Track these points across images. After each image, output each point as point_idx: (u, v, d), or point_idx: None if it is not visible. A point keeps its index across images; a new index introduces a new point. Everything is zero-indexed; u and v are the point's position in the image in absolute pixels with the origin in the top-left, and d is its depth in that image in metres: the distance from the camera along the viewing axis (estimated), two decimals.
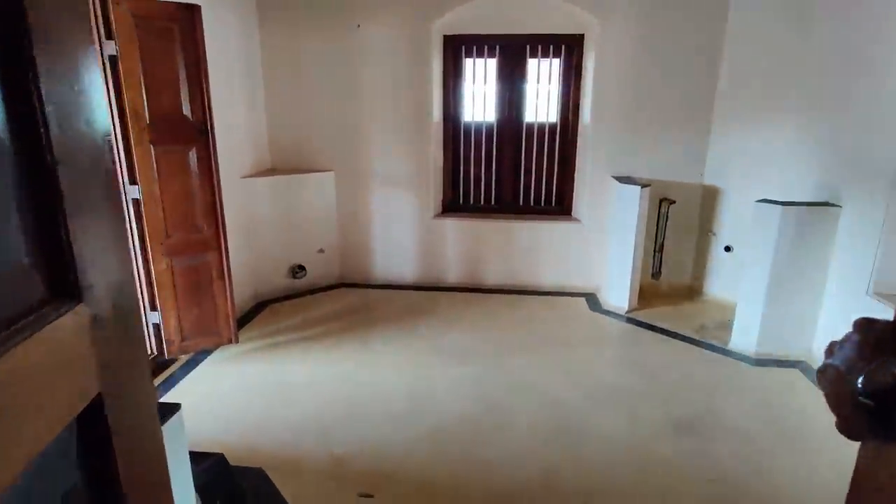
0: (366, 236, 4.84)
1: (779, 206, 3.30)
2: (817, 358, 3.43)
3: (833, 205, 3.31)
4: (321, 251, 4.76)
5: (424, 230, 4.77)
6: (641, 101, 4.31)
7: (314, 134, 4.63)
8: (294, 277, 4.65)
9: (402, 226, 4.78)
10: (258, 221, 4.35)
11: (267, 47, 4.44)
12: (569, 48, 4.51)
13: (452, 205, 4.96)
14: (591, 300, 4.57)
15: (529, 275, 4.79)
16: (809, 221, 3.30)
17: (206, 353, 3.53)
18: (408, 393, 3.12)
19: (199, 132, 3.15)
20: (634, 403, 3.02)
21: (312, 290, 4.73)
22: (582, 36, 4.45)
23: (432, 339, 3.84)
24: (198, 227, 3.27)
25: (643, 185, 4.03)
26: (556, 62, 4.58)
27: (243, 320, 4.09)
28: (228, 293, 3.48)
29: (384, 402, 3.02)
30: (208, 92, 3.11)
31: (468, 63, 4.67)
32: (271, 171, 4.60)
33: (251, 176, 4.33)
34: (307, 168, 4.68)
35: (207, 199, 3.25)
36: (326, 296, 4.67)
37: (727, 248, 4.38)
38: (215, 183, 3.27)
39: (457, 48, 4.60)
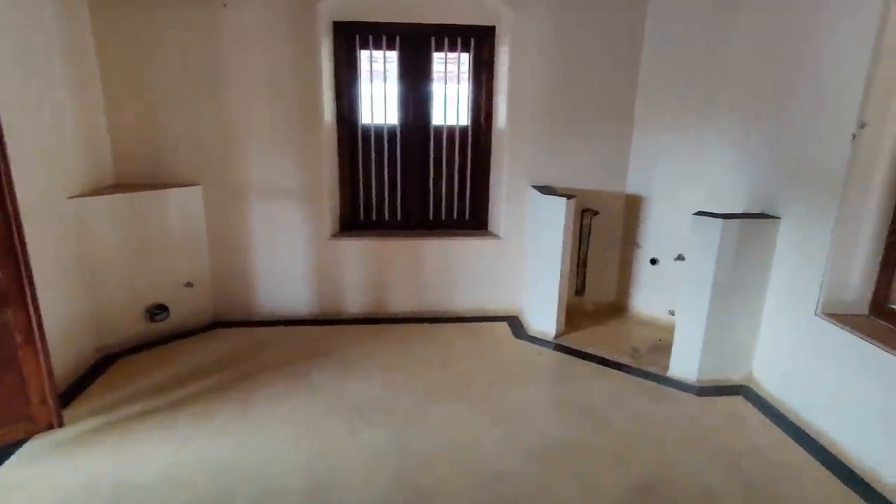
0: (246, 263, 3.98)
1: (719, 220, 2.99)
2: (759, 382, 3.18)
3: (771, 216, 3.05)
4: (189, 285, 3.82)
5: (319, 253, 4.00)
6: (560, 102, 3.89)
7: (173, 140, 3.69)
8: (153, 320, 3.67)
9: (291, 249, 3.97)
10: (98, 254, 3.35)
11: (102, 31, 3.44)
12: (479, 42, 3.98)
13: (352, 222, 4.23)
14: (515, 324, 4.08)
15: (444, 299, 4.20)
16: (749, 235, 3.02)
17: (13, 447, 2.53)
18: (305, 480, 2.38)
19: None
20: (586, 464, 2.52)
21: (178, 335, 3.78)
22: (493, 28, 3.94)
23: (332, 391, 3.11)
24: None
25: (568, 197, 3.60)
26: (466, 57, 4.03)
27: (77, 387, 3.08)
28: (43, 360, 2.53)
29: (271, 500, 2.26)
30: None
31: (364, 55, 3.98)
32: (115, 188, 3.60)
33: (84, 195, 3.32)
34: (165, 182, 3.73)
35: None
36: (197, 341, 3.75)
37: (653, 261, 4.09)
38: (10, 211, 2.31)
39: (349, 37, 3.89)
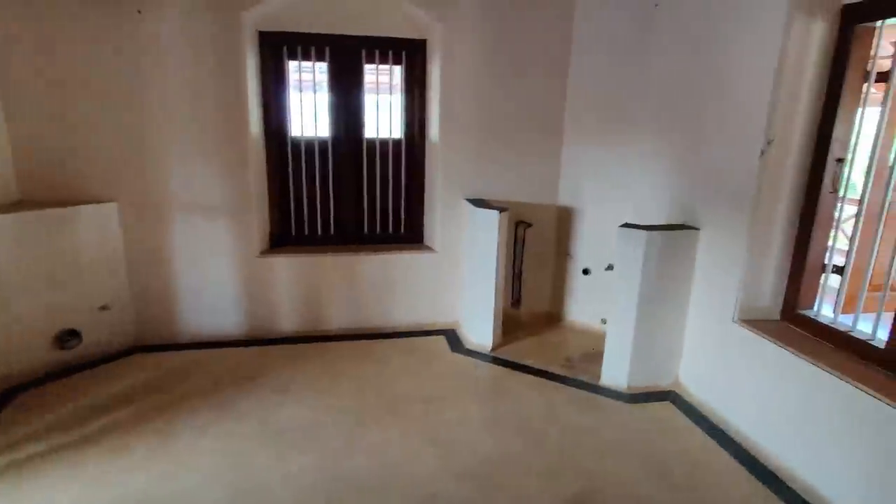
0: (169, 283, 3.76)
1: (643, 232, 3.09)
2: (685, 387, 3.30)
3: (691, 227, 3.19)
4: (104, 308, 3.57)
5: (248, 271, 3.84)
6: (492, 115, 3.92)
7: (86, 154, 3.45)
8: (63, 348, 3.40)
9: (218, 267, 3.79)
10: None
11: (3, 39, 3.17)
12: (410, 55, 3.97)
13: (283, 238, 4.09)
14: (452, 338, 4.06)
15: (380, 314, 4.13)
16: (672, 246, 3.13)
17: None
18: None
19: None
20: (520, 480, 2.51)
21: (93, 363, 3.52)
22: (424, 42, 3.93)
23: (261, 417, 2.97)
24: None
25: (501, 210, 3.63)
26: (398, 70, 4.00)
27: None
28: None
29: None
30: None
31: (293, 66, 3.87)
32: (18, 206, 3.32)
33: None
34: (77, 199, 3.47)
35: None
36: (114, 368, 3.50)
37: (585, 271, 4.19)
38: None
39: (277, 48, 3.78)
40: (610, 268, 3.98)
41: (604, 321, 4.12)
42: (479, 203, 3.84)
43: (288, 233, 4.10)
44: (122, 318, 3.69)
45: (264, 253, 3.89)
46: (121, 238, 3.60)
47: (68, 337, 3.41)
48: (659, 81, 3.57)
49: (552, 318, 4.40)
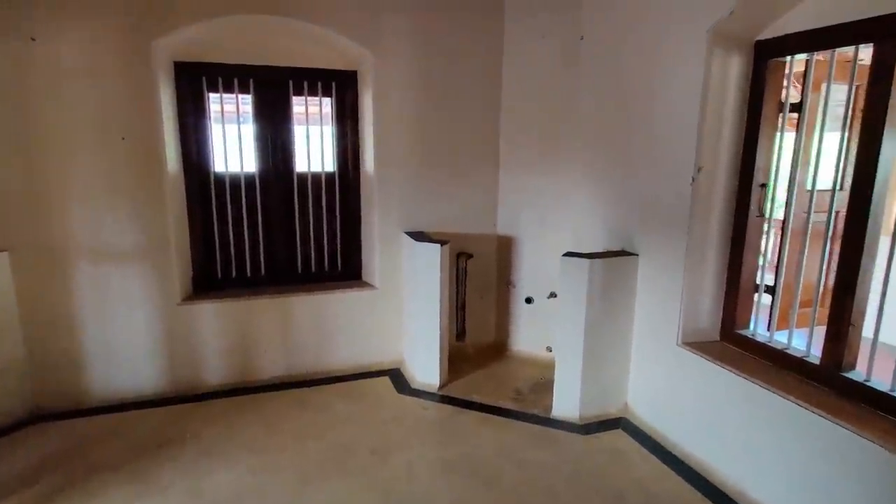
0: (73, 340, 3.33)
1: (585, 260, 3.10)
2: (634, 412, 3.30)
3: (630, 253, 3.24)
4: None
5: (168, 321, 3.49)
6: (427, 146, 3.86)
7: None
8: None
9: (132, 319, 3.41)
10: None
11: None
12: (341, 86, 3.84)
13: (208, 282, 3.78)
14: (397, 378, 3.88)
15: (319, 358, 3.88)
16: (613, 272, 3.16)
17: None
18: None
19: None
20: None
21: None
22: (355, 73, 3.83)
23: (187, 488, 2.64)
24: None
25: (443, 243, 3.54)
26: (328, 101, 3.86)
27: None
28: None
29: None
30: None
31: (215, 98, 3.63)
32: None
33: None
34: None
35: None
36: (7, 443, 3.02)
37: (528, 300, 4.17)
38: None
39: (195, 79, 3.53)
40: (553, 295, 3.99)
41: (549, 349, 4.10)
42: (418, 236, 3.74)
43: (213, 276, 3.79)
44: (17, 385, 3.22)
45: (186, 300, 3.56)
46: (12, 292, 3.16)
47: None
48: (589, 113, 3.66)
49: (498, 348, 4.33)
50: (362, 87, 3.81)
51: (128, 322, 3.40)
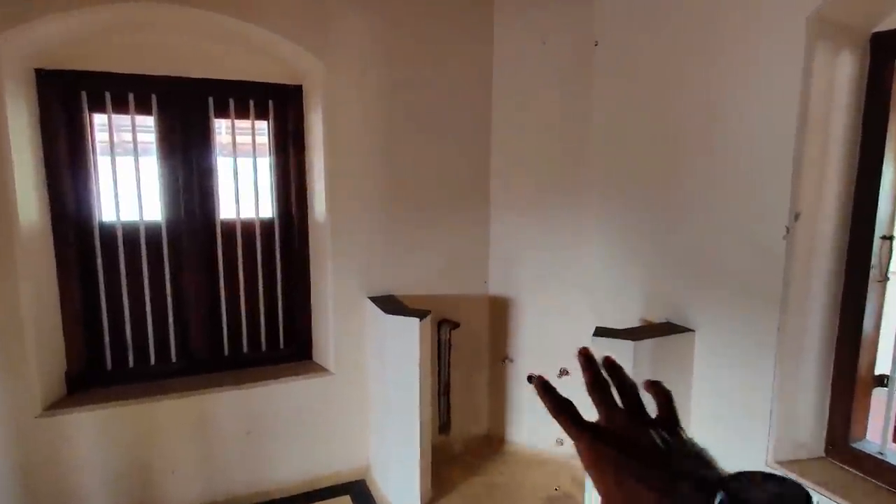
0: None
1: (629, 342, 2.20)
2: None
3: (682, 328, 2.36)
4: None
5: (22, 442, 2.38)
6: (396, 181, 2.94)
7: None
8: None
9: None
10: None
11: None
12: (281, 105, 2.90)
13: (91, 377, 2.68)
14: (361, 495, 2.85)
15: (253, 476, 2.81)
16: (663, 354, 2.27)
17: None
18: None
19: None
20: None
21: None
22: (299, 88, 2.90)
23: None
24: None
25: (421, 315, 2.58)
26: (264, 126, 2.91)
27: None
28: None
29: None
30: None
31: (101, 122, 2.63)
32: None
33: None
34: None
35: None
36: None
37: (530, 379, 3.22)
38: None
39: (71, 94, 2.52)
40: (564, 373, 3.06)
41: (561, 442, 3.16)
42: (388, 304, 2.78)
43: (100, 367, 2.71)
44: None
45: (52, 408, 2.46)
46: None
47: None
48: (606, 141, 2.83)
49: (493, 442, 3.35)
50: (310, 107, 2.87)
51: None
